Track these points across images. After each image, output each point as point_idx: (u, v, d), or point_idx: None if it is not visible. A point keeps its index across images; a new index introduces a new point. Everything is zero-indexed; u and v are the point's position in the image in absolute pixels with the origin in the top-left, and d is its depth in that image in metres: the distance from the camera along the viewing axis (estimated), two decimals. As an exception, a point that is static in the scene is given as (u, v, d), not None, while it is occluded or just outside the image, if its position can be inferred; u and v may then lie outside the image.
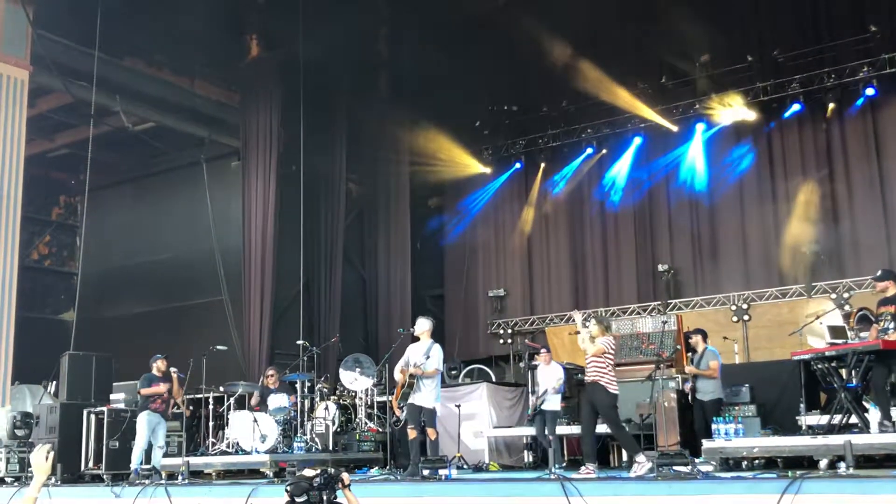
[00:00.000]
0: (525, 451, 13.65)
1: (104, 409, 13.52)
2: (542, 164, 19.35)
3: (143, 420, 12.19)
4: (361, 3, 17.13)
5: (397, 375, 10.76)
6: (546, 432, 11.94)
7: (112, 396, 13.89)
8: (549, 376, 12.23)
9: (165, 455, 12.77)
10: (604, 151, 18.58)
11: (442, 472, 9.47)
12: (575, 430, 12.75)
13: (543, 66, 17.69)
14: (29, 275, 19.10)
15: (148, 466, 11.98)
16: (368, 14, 18.40)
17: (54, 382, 15.25)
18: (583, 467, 9.84)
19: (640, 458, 9.32)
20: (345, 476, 5.93)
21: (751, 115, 16.83)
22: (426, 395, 10.62)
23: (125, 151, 19.94)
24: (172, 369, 12.53)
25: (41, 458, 4.60)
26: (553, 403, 12.01)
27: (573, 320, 18.04)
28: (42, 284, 21.06)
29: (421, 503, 8.61)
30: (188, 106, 18.59)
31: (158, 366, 12.46)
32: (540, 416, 12.04)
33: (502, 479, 10.51)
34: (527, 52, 17.46)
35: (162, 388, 12.34)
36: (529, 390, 13.01)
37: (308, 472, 5.92)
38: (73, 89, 16.62)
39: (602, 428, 12.26)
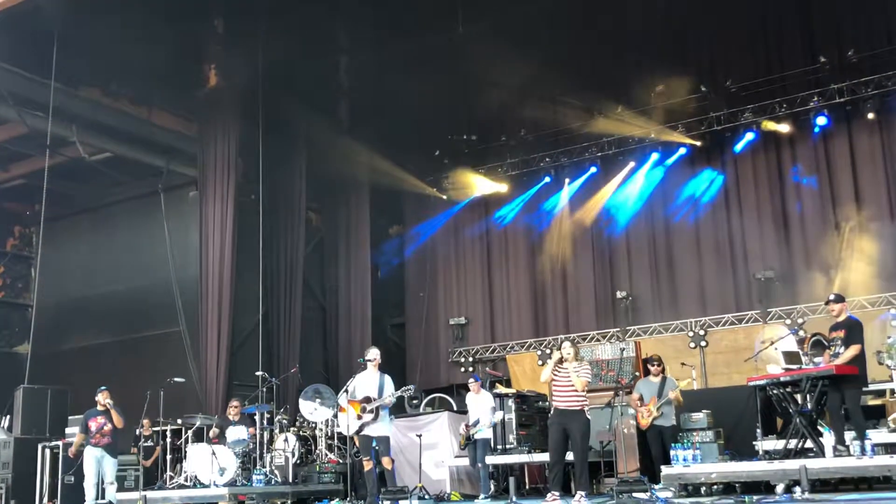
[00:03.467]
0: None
1: (59, 443, 13.31)
2: (502, 192, 19.47)
3: (87, 455, 12.08)
4: (320, 33, 17.16)
5: (344, 405, 10.74)
6: (478, 460, 12.02)
7: (67, 430, 13.70)
8: (479, 405, 12.31)
9: (121, 489, 12.60)
10: (562, 180, 18.72)
11: (403, 503, 9.42)
12: (536, 457, 12.79)
13: (500, 95, 17.85)
14: (-18, 307, 18.79)
15: (104, 502, 11.80)
16: (327, 44, 18.46)
17: (8, 416, 15.00)
18: (549, 494, 9.83)
19: (582, 496, 9.47)
20: None
21: (706, 144, 17.10)
22: (380, 425, 10.61)
23: (82, 182, 19.75)
24: (108, 401, 12.27)
25: None
26: (486, 432, 12.10)
27: (535, 348, 18.25)
28: (-4, 316, 20.74)
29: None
30: (145, 136, 18.46)
31: (98, 399, 12.30)
32: (472, 445, 12.12)
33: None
34: (484, 82, 17.60)
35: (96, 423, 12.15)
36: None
37: None
38: (29, 119, 16.48)
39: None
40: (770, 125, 16.35)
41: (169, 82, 17.81)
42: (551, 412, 10.08)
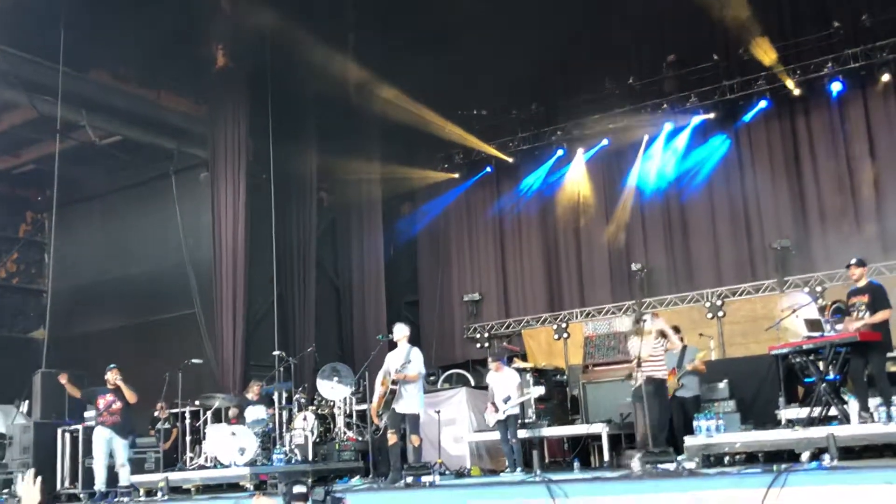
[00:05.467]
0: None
1: (79, 427, 13.33)
2: (513, 167, 19.37)
3: (96, 436, 11.98)
4: (328, 9, 17.05)
5: (378, 387, 10.74)
6: (508, 436, 11.97)
7: (86, 414, 13.69)
8: (504, 383, 12.19)
9: (141, 471, 12.62)
10: (574, 153, 18.60)
11: (426, 478, 9.41)
12: (555, 431, 12.79)
13: (512, 69, 17.70)
14: (-3, 293, 18.84)
15: (127, 483, 11.79)
16: (336, 21, 18.32)
17: (27, 402, 15.04)
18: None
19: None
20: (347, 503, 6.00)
21: (719, 113, 16.95)
22: (410, 402, 10.61)
23: (92, 166, 19.70)
24: (117, 378, 12.16)
25: (29, 486, 4.52)
26: (514, 408, 12.06)
27: (549, 322, 18.19)
28: (11, 303, 20.76)
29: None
30: (155, 118, 18.40)
31: (108, 377, 12.19)
32: (502, 422, 12.04)
33: (488, 482, 10.47)
34: (496, 56, 17.46)
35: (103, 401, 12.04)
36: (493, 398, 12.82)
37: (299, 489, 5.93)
38: (39, 104, 16.43)
39: (578, 429, 12.42)
40: (784, 92, 16.19)
41: (177, 64, 17.72)
42: (639, 382, 10.24)
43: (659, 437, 10.04)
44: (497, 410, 11.94)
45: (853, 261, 9.97)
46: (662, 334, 10.79)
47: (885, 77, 15.33)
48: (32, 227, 21.79)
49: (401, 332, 11.01)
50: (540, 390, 12.48)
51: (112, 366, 12.31)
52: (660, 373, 10.50)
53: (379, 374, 10.86)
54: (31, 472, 4.55)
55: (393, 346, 11.27)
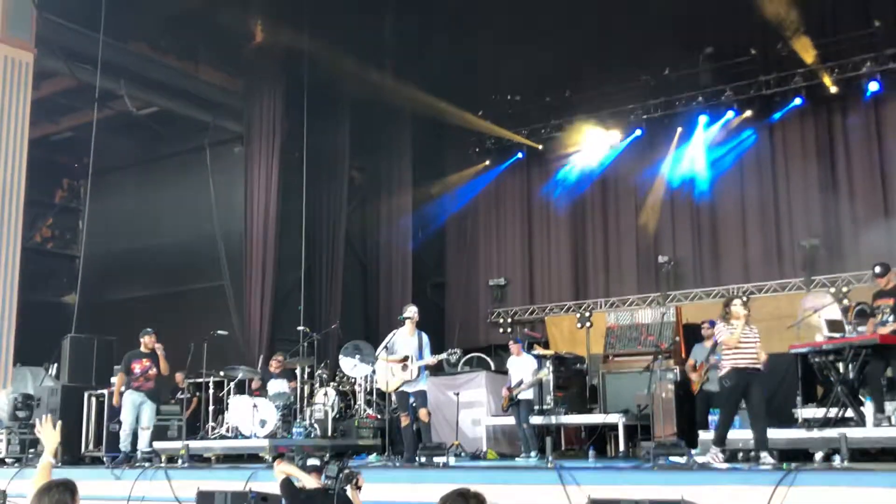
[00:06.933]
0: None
1: (105, 391, 13.55)
2: (544, 154, 19.37)
3: (126, 400, 11.94)
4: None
5: (395, 371, 10.76)
6: (521, 421, 12.08)
7: (113, 379, 13.91)
8: (521, 367, 12.32)
9: (164, 438, 12.83)
10: (605, 141, 18.54)
11: (440, 459, 9.53)
12: (573, 419, 12.86)
13: (546, 56, 17.67)
14: (32, 257, 19.10)
15: (149, 449, 12.00)
16: (374, 1, 18.38)
17: (56, 365, 15.33)
18: (764, 454, 8.74)
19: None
20: (361, 479, 6.09)
21: (753, 109, 16.84)
22: (417, 381, 10.71)
23: (129, 135, 19.96)
24: (157, 345, 12.12)
25: (49, 428, 4.71)
26: (528, 393, 12.14)
27: (574, 311, 18.20)
28: (45, 267, 21.07)
29: (419, 489, 8.66)
30: (192, 91, 18.61)
31: (145, 342, 12.11)
32: (515, 406, 12.16)
33: (500, 466, 10.58)
34: (530, 43, 17.44)
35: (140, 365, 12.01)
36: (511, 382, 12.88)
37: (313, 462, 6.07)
38: (78, 73, 16.67)
39: (595, 419, 12.46)
40: (820, 90, 16.05)
41: (216, 38, 17.91)
42: (727, 372, 9.05)
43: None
44: (511, 394, 12.12)
45: (877, 269, 9.90)
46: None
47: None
48: (68, 193, 22.11)
49: (412, 312, 11.04)
50: (545, 372, 12.46)
51: (149, 330, 12.24)
52: (743, 362, 9.14)
53: (382, 350, 10.86)
54: (49, 416, 4.74)
55: (399, 324, 11.26)
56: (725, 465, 8.64)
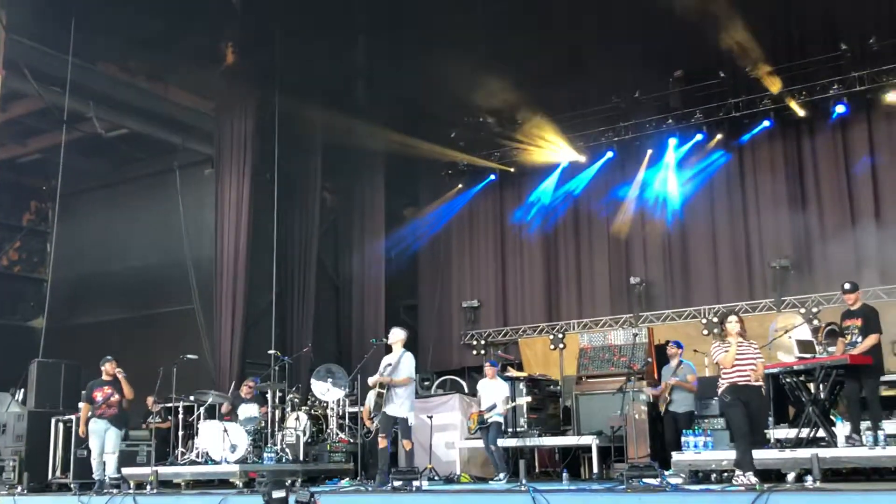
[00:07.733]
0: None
1: (72, 417, 13.37)
2: (517, 177, 19.42)
3: (91, 429, 11.95)
4: (338, 11, 17.09)
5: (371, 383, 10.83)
6: (489, 443, 12.05)
7: (80, 405, 13.73)
8: (492, 391, 12.32)
9: (133, 464, 12.64)
10: (577, 164, 18.63)
11: (414, 483, 9.44)
12: (546, 441, 12.83)
13: (518, 79, 17.72)
14: (-2, 281, 18.90)
15: (116, 476, 11.83)
16: (345, 22, 18.36)
17: (22, 390, 15.10)
18: (742, 477, 8.55)
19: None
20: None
21: (723, 131, 17.00)
22: (399, 406, 10.67)
23: (98, 157, 19.81)
24: (118, 370, 12.10)
25: None
26: (499, 416, 12.13)
27: (547, 333, 18.21)
28: (12, 291, 20.80)
29: (391, 514, 8.59)
30: (162, 112, 18.48)
31: (106, 369, 12.10)
32: (485, 429, 12.15)
33: (474, 489, 10.51)
34: (502, 65, 17.49)
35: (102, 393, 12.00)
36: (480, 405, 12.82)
37: (278, 494, 5.95)
38: (46, 94, 16.51)
39: (569, 441, 12.42)
40: (789, 112, 16.23)
41: (186, 59, 17.79)
42: (725, 389, 8.87)
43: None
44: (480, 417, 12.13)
45: (846, 286, 10.00)
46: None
47: (891, 98, 15.34)
48: (36, 216, 21.85)
49: (395, 336, 11.08)
50: (526, 400, 12.53)
51: (109, 357, 12.24)
52: (742, 379, 8.98)
53: (371, 378, 10.94)
54: None
55: (389, 349, 11.33)
56: (750, 481, 8.23)
